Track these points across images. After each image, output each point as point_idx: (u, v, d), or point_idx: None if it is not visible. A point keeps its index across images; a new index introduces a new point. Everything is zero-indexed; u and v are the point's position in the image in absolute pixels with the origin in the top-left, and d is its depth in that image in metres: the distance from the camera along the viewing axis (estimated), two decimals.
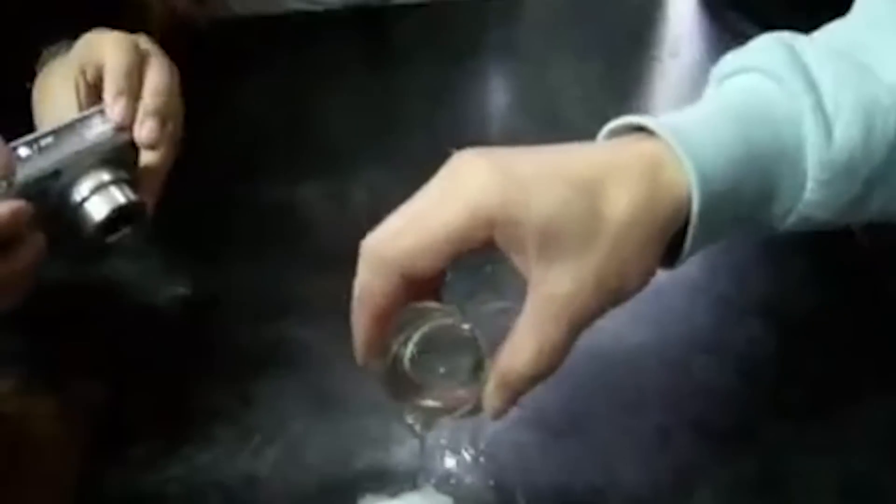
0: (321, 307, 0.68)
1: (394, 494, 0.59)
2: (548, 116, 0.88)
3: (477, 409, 0.48)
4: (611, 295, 0.46)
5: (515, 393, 0.47)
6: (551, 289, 0.45)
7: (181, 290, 0.74)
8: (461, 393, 0.48)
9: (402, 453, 0.60)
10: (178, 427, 0.64)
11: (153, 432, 0.64)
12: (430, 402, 0.48)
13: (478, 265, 0.64)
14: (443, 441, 0.61)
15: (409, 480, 0.59)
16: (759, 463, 0.62)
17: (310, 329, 0.69)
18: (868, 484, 0.61)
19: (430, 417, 0.50)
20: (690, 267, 0.49)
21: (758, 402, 0.66)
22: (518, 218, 0.44)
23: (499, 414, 0.48)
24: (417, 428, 0.52)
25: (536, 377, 0.46)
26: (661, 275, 0.48)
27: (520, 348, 0.46)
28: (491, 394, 0.47)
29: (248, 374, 0.67)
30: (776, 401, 0.66)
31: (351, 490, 0.59)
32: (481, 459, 0.61)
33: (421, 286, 0.46)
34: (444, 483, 0.60)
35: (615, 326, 0.68)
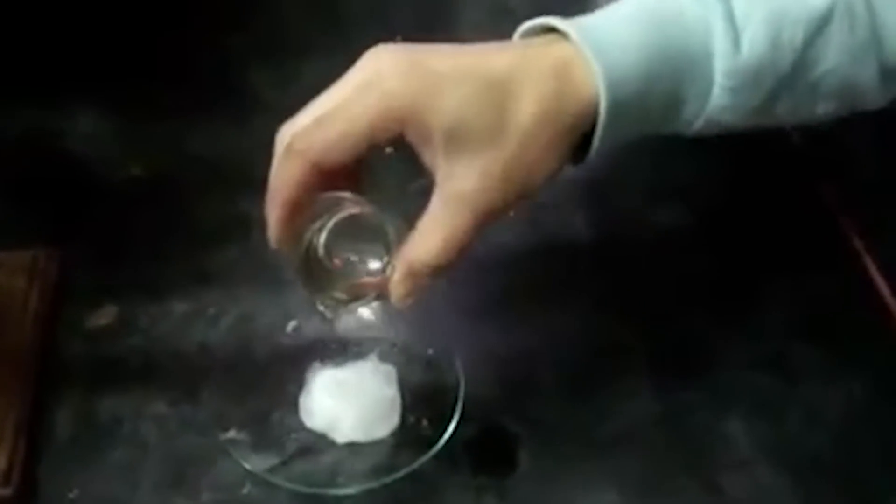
0: None
1: (340, 364, 0.62)
2: (499, 7, 0.88)
3: (384, 296, 0.50)
4: (517, 192, 0.47)
5: (421, 282, 0.49)
6: (458, 185, 0.47)
7: (136, 169, 0.75)
8: (370, 281, 0.50)
9: (348, 325, 0.63)
10: (135, 300, 0.67)
11: (111, 305, 0.66)
12: (340, 290, 0.51)
13: None
14: (385, 312, 0.63)
15: (354, 350, 0.62)
16: (678, 338, 0.65)
17: (261, 206, 0.70)
18: (776, 357, 0.64)
19: (340, 304, 0.53)
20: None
21: (679, 283, 0.69)
22: (427, 116, 0.45)
23: (404, 302, 0.50)
24: (328, 314, 0.54)
25: (441, 268, 0.48)
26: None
27: (425, 240, 0.48)
28: (397, 282, 0.49)
29: (203, 249, 0.70)
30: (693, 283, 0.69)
31: (300, 359, 0.62)
32: (422, 328, 0.63)
33: (336, 174, 0.48)
34: (388, 352, 0.63)
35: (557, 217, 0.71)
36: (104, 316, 0.66)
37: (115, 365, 0.63)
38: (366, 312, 0.62)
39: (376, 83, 0.46)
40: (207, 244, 0.70)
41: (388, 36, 0.50)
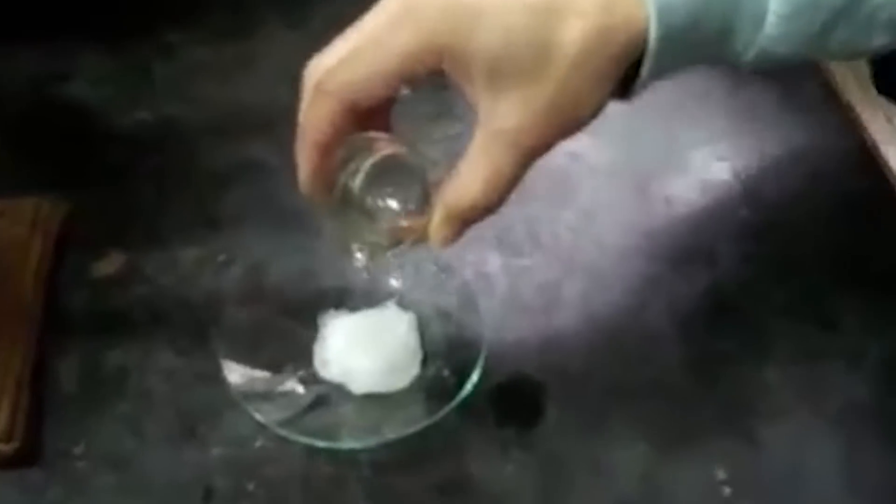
0: (285, 127, 0.67)
1: (356, 311, 0.59)
2: None
3: (423, 239, 0.48)
4: (561, 127, 0.44)
5: (463, 224, 0.47)
6: (500, 121, 0.44)
7: (142, 113, 0.72)
8: (409, 224, 0.48)
9: (367, 270, 0.60)
10: (141, 248, 0.64)
11: (117, 254, 0.64)
12: (378, 236, 0.48)
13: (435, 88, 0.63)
14: (406, 259, 0.61)
15: (371, 297, 0.59)
16: (713, 283, 0.63)
17: (273, 149, 0.68)
18: (814, 304, 0.62)
19: (378, 250, 0.50)
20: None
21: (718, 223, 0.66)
22: (467, 49, 0.42)
23: (445, 245, 0.47)
24: (365, 261, 0.51)
25: (485, 209, 0.46)
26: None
27: (468, 180, 0.45)
28: (437, 225, 0.47)
29: (211, 195, 0.67)
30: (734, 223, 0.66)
31: (313, 307, 0.60)
32: (443, 276, 0.61)
33: (367, 114, 0.45)
34: (407, 299, 0.60)
35: (576, 148, 0.68)
36: (110, 265, 0.63)
37: (121, 315, 0.61)
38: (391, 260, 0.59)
39: (411, 15, 0.42)
40: (216, 189, 0.67)
41: None
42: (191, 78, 0.75)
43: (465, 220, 0.47)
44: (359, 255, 0.52)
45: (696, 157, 0.70)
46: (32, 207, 0.64)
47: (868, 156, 0.70)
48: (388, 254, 0.51)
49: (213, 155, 0.69)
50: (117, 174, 0.68)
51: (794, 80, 0.74)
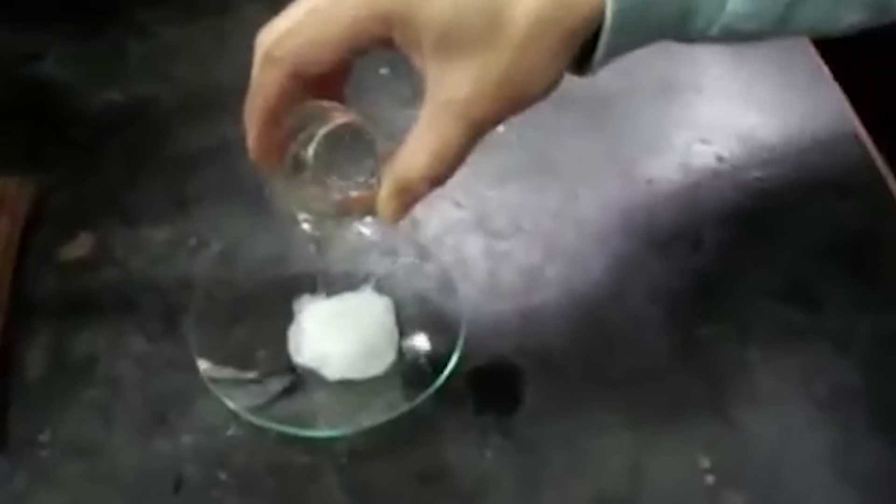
0: None
1: (332, 295, 0.58)
2: None
3: (371, 212, 0.47)
4: (513, 100, 0.43)
5: (412, 197, 0.46)
6: (449, 92, 0.43)
7: (112, 93, 0.71)
8: (359, 196, 0.46)
9: (341, 255, 0.59)
10: (111, 230, 0.62)
11: (86, 236, 0.62)
12: (327, 206, 0.47)
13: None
14: (383, 242, 0.59)
15: (347, 281, 0.58)
16: (697, 266, 0.61)
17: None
18: (799, 287, 0.61)
19: (325, 220, 0.49)
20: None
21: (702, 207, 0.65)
22: (415, 17, 0.41)
23: (394, 218, 0.46)
24: (312, 231, 0.50)
25: (433, 182, 0.45)
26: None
27: (415, 152, 0.44)
28: (385, 198, 0.46)
29: (183, 176, 0.66)
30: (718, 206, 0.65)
31: (287, 291, 0.58)
32: (421, 260, 0.59)
33: (319, 82, 0.44)
34: (384, 284, 0.58)
35: (557, 129, 0.67)
36: (78, 247, 0.62)
37: (90, 299, 0.59)
38: (365, 235, 0.57)
39: None
40: (188, 170, 0.66)
41: None
42: (163, 57, 0.73)
43: (413, 193, 0.45)
44: (305, 226, 0.50)
45: (678, 139, 0.68)
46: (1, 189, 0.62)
47: (854, 138, 0.69)
48: (336, 225, 0.50)
49: (185, 136, 0.68)
50: (87, 155, 0.67)
51: (783, 63, 0.73)
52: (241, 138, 0.63)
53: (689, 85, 0.72)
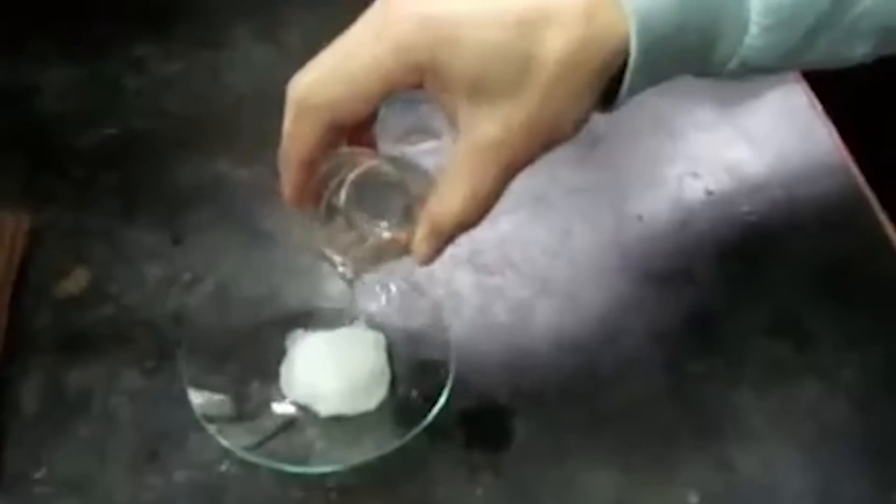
0: (252, 144, 0.67)
1: (324, 331, 0.58)
2: None
3: (405, 254, 0.48)
4: (543, 141, 0.44)
5: (445, 239, 0.46)
6: (481, 135, 0.43)
7: (108, 128, 0.71)
8: (392, 238, 0.47)
9: (333, 291, 0.59)
10: (106, 266, 0.63)
11: (82, 272, 0.63)
12: (361, 249, 0.48)
13: (411, 102, 0.62)
14: (375, 278, 0.60)
15: (339, 317, 0.59)
16: (687, 303, 0.62)
17: (240, 166, 0.67)
18: (789, 323, 0.61)
19: (361, 263, 0.50)
20: None
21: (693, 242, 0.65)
22: (447, 63, 0.42)
23: (429, 260, 0.47)
24: (348, 274, 0.51)
25: (467, 224, 0.45)
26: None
27: (449, 195, 0.45)
28: (421, 240, 0.46)
29: (178, 211, 0.66)
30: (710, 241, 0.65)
31: (281, 327, 0.59)
32: (413, 296, 0.60)
33: (350, 129, 0.45)
34: (375, 320, 0.59)
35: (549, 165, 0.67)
36: (74, 283, 0.62)
37: (85, 335, 0.59)
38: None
39: (390, 33, 0.42)
40: (183, 205, 0.66)
41: None
42: (159, 92, 0.74)
43: (446, 236, 0.46)
44: (342, 269, 0.51)
45: (669, 173, 0.69)
46: None
47: (844, 172, 0.69)
48: (371, 267, 0.51)
49: (181, 171, 0.68)
50: (83, 189, 0.67)
51: (772, 96, 0.73)
52: (236, 173, 0.65)
53: (679, 119, 0.72)
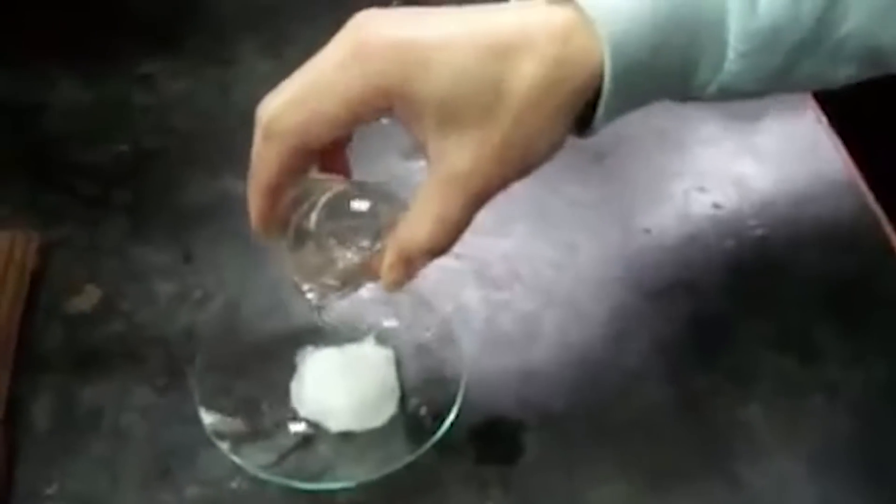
0: None
1: (334, 348, 0.58)
2: None
3: (374, 279, 0.48)
4: (514, 168, 0.44)
5: (413, 266, 0.46)
6: (451, 164, 0.43)
7: (119, 145, 0.72)
8: (361, 262, 0.47)
9: (344, 307, 0.59)
10: (117, 283, 0.63)
11: (93, 289, 0.63)
12: (330, 276, 0.48)
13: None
14: (383, 294, 0.60)
15: (348, 333, 0.59)
16: (694, 318, 0.62)
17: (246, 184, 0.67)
18: (796, 338, 0.61)
19: (330, 290, 0.50)
20: None
21: (699, 256, 0.65)
22: (417, 88, 0.41)
23: (395, 287, 0.47)
24: (317, 301, 0.51)
25: (435, 251, 0.45)
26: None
27: (417, 223, 0.45)
28: (389, 266, 0.46)
29: (188, 229, 0.66)
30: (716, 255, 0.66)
31: (291, 343, 0.59)
32: (422, 311, 0.60)
33: (321, 153, 0.45)
34: (384, 336, 0.59)
35: (555, 179, 0.68)
36: (85, 301, 0.62)
37: (97, 352, 0.60)
38: (364, 293, 0.58)
39: (359, 57, 0.42)
40: (193, 223, 0.66)
41: (384, 2, 0.46)
42: (168, 109, 0.74)
43: (414, 264, 0.46)
44: (310, 296, 0.51)
45: (676, 188, 0.69)
46: (7, 242, 0.63)
47: (852, 187, 0.69)
48: (339, 293, 0.51)
49: (190, 188, 0.69)
50: (92, 207, 0.68)
51: (780, 112, 0.74)
52: (246, 191, 0.65)
53: (687, 133, 0.73)
